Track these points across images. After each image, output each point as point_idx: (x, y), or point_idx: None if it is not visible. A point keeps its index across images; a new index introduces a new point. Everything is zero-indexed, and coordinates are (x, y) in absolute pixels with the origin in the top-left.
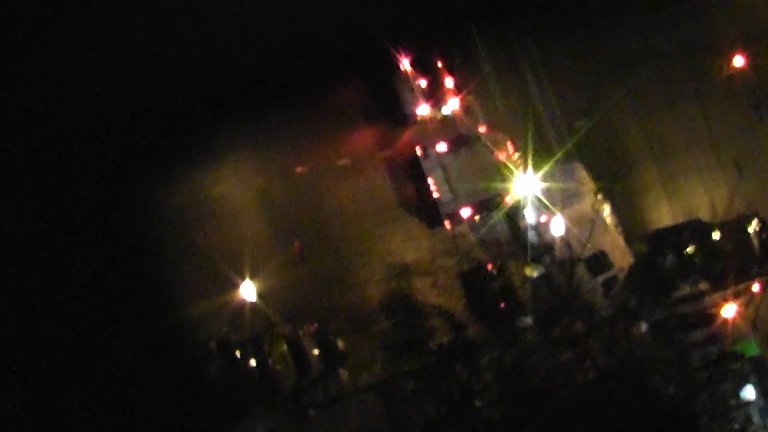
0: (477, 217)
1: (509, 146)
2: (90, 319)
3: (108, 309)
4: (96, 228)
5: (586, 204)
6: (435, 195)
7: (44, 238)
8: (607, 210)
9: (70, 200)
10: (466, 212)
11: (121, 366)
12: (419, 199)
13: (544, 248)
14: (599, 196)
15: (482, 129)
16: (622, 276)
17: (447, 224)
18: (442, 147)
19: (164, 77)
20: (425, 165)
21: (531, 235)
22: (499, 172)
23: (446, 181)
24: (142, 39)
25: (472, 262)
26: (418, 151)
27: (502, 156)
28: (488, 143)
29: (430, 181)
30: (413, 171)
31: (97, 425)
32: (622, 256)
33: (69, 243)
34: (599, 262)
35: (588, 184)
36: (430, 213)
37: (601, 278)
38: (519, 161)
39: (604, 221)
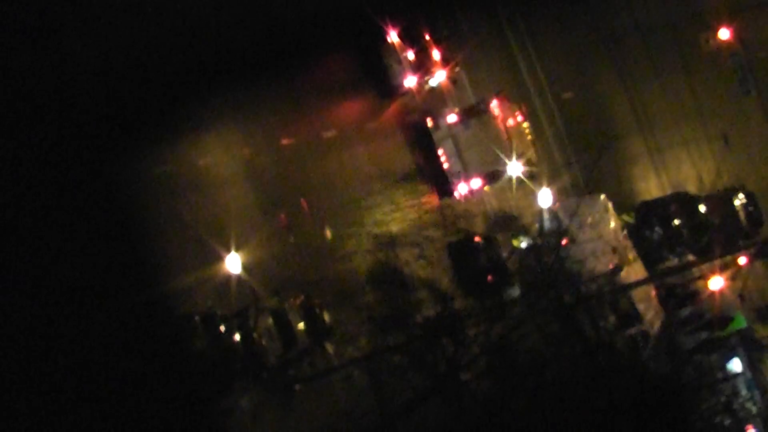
0: (487, 188)
1: (519, 115)
2: (69, 292)
3: (89, 281)
4: (78, 199)
5: (608, 231)
6: (445, 166)
7: (22, 209)
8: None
9: (51, 170)
10: (476, 183)
11: (102, 340)
12: (428, 169)
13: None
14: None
15: (492, 99)
16: (652, 331)
17: (457, 195)
18: (452, 118)
19: (149, 47)
20: (436, 136)
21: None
22: (510, 142)
23: (456, 151)
24: (128, 7)
25: (459, 233)
26: (429, 122)
27: (511, 125)
28: (499, 113)
29: (440, 152)
30: (421, 141)
31: (78, 399)
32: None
33: (49, 213)
34: (629, 315)
35: (611, 212)
36: (439, 183)
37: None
38: (528, 130)
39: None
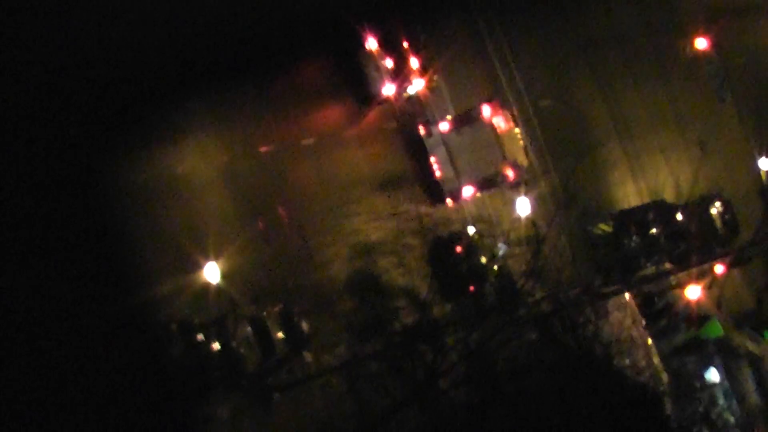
0: (479, 195)
1: (510, 121)
2: (46, 299)
3: (66, 289)
4: (56, 207)
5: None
6: (437, 173)
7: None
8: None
9: (29, 178)
10: (468, 190)
11: (79, 348)
12: (420, 176)
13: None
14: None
15: (484, 105)
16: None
17: (449, 202)
18: (444, 125)
19: (127, 54)
20: (428, 143)
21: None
22: (502, 149)
23: (449, 159)
24: (106, 15)
25: (439, 241)
26: (421, 129)
27: (503, 131)
28: (490, 119)
29: (432, 159)
30: (410, 148)
31: (56, 407)
32: None
33: (26, 221)
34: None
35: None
36: (431, 190)
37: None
38: (520, 135)
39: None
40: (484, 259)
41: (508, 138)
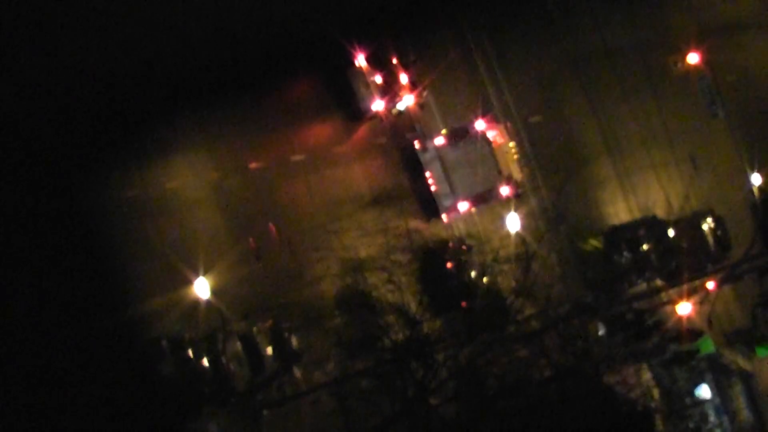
0: (474, 210)
1: (505, 136)
2: (37, 316)
3: (57, 305)
4: (46, 223)
5: None
6: (433, 188)
7: None
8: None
9: (19, 195)
10: (463, 206)
11: (69, 364)
12: (410, 191)
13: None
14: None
15: (479, 120)
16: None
17: (444, 217)
18: (440, 140)
19: (117, 70)
20: (423, 158)
21: None
22: (497, 163)
23: (444, 173)
24: (97, 29)
25: (430, 257)
26: (417, 144)
27: (497, 146)
28: (485, 135)
29: (427, 174)
30: (403, 164)
31: (46, 421)
32: None
33: (16, 238)
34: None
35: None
36: (426, 205)
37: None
38: (515, 149)
39: None
40: (474, 274)
41: (503, 152)
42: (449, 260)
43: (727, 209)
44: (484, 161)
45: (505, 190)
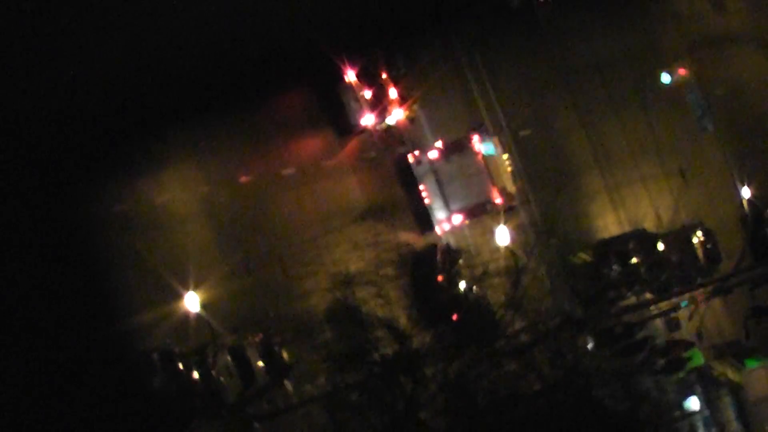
0: (467, 222)
1: (498, 148)
2: (28, 328)
3: (47, 318)
4: (36, 236)
5: None
6: (426, 201)
7: None
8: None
9: (10, 207)
10: (457, 218)
11: (60, 377)
12: (400, 205)
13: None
14: None
15: (473, 133)
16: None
17: (438, 231)
18: (433, 153)
19: (106, 83)
20: (417, 172)
21: None
22: (491, 176)
23: (438, 187)
24: (86, 45)
25: (420, 270)
26: (410, 158)
27: (491, 159)
28: (479, 148)
29: (421, 187)
30: (402, 177)
31: None
32: None
33: (7, 251)
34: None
35: None
36: (420, 218)
37: None
38: (508, 162)
39: None
40: (464, 285)
41: (496, 165)
42: (440, 273)
43: (716, 222)
44: (478, 174)
45: (498, 203)
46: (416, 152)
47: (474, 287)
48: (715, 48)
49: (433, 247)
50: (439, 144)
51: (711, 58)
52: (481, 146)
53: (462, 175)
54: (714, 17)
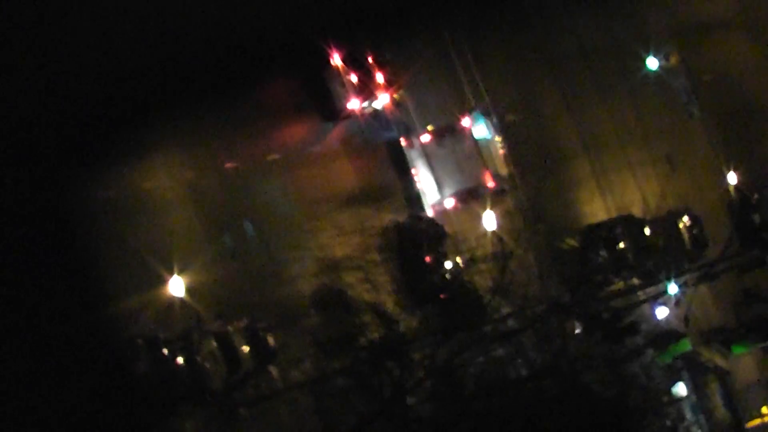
0: (460, 206)
1: (492, 131)
2: (10, 315)
3: (31, 304)
4: (20, 222)
5: None
6: (418, 185)
7: None
8: None
9: None
10: (449, 202)
11: (44, 363)
12: (388, 190)
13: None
14: None
15: (464, 117)
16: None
17: (431, 215)
18: (425, 137)
19: (91, 69)
20: (409, 155)
21: None
22: (483, 159)
23: (430, 171)
24: (69, 30)
25: (408, 254)
26: (403, 141)
27: (484, 143)
28: (471, 131)
29: (413, 171)
30: (393, 161)
31: (19, 422)
32: None
33: None
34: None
35: None
36: (412, 203)
37: None
38: (501, 145)
39: None
40: (451, 265)
41: (489, 148)
42: (428, 254)
43: (703, 208)
44: (470, 158)
45: (490, 185)
46: (402, 136)
47: (460, 264)
48: (702, 34)
49: (417, 220)
50: (430, 128)
51: (698, 44)
52: (474, 129)
53: (454, 158)
54: (701, 3)
